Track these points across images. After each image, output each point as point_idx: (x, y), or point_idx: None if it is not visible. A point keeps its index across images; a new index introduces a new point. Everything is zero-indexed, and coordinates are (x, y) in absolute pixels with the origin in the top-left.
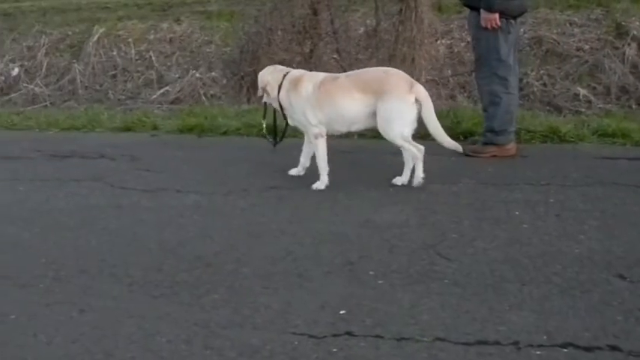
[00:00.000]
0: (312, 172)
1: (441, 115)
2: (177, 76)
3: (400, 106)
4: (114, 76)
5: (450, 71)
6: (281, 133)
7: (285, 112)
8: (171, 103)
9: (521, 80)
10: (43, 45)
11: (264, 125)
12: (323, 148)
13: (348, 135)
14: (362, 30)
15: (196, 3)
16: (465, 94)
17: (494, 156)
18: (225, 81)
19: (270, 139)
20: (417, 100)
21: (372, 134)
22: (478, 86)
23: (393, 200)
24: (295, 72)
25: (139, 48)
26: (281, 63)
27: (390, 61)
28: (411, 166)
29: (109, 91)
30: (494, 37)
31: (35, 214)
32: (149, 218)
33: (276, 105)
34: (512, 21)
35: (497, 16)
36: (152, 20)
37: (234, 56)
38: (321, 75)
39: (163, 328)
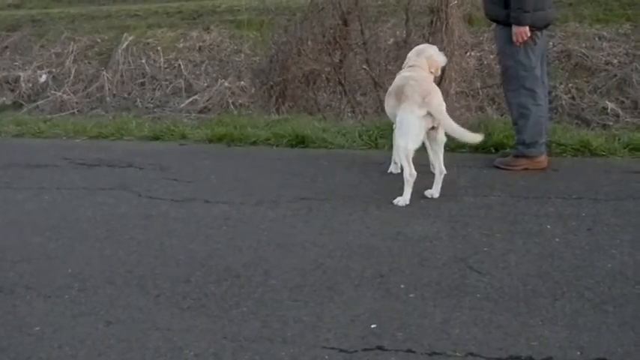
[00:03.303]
0: (342, 185)
1: (471, 128)
2: (205, 84)
3: (408, 119)
4: (142, 84)
5: (479, 83)
6: None
7: None
8: (200, 112)
9: (549, 93)
10: (72, 52)
11: None
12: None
13: (378, 146)
14: (392, 41)
15: (226, 12)
16: (494, 107)
17: (526, 169)
18: (253, 90)
19: None
20: (428, 113)
21: None
22: (506, 99)
23: (424, 213)
24: (405, 69)
25: (168, 56)
26: (311, 73)
27: None
28: (440, 180)
29: (137, 99)
30: (521, 49)
31: (61, 223)
32: (177, 229)
33: None
34: (539, 32)
35: (527, 29)
36: (182, 29)
37: (264, 66)
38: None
39: (191, 341)
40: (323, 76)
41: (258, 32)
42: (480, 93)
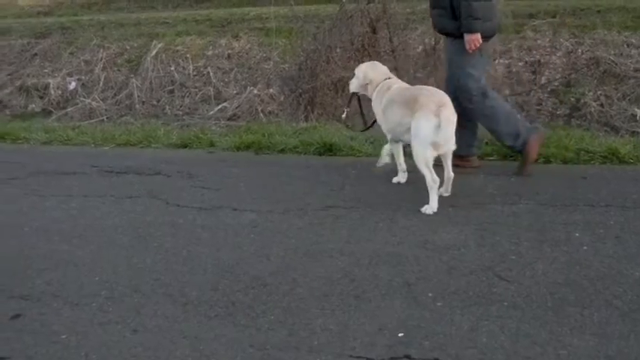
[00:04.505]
0: (370, 193)
1: None
2: (234, 92)
3: (423, 126)
4: (171, 91)
5: (507, 91)
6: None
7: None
8: (229, 119)
9: (578, 100)
10: (101, 59)
11: (345, 113)
12: (398, 151)
13: (407, 153)
14: (420, 48)
15: (255, 19)
16: (524, 114)
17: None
18: (282, 98)
19: (349, 125)
20: (439, 124)
21: None
22: (466, 111)
23: (451, 221)
24: (391, 81)
25: (197, 64)
26: (340, 80)
27: None
28: (450, 184)
29: (166, 106)
30: (470, 60)
31: (89, 231)
32: (205, 237)
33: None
34: (486, 42)
35: (479, 36)
36: (210, 36)
37: (293, 73)
38: (394, 87)
39: (218, 350)
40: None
41: (287, 40)
42: (509, 100)
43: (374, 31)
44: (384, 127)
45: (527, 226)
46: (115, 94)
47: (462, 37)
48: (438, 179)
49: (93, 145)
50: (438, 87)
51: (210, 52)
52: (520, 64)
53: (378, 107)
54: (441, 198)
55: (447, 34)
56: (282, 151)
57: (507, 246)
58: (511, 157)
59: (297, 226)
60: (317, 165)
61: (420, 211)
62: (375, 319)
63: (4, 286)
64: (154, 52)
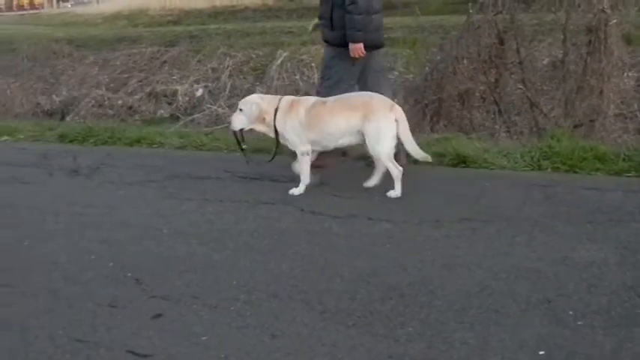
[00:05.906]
0: (506, 207)
1: (637, 150)
2: None
3: (385, 125)
4: None
5: (636, 105)
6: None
7: (280, 134)
8: None
9: None
10: (227, 67)
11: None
12: (307, 164)
13: (541, 167)
14: (547, 60)
15: None
16: None
17: None
18: (407, 108)
19: (246, 159)
20: (395, 120)
21: (566, 168)
22: None
23: (590, 237)
24: (288, 97)
25: None
26: (466, 92)
27: (578, 92)
28: (380, 175)
29: None
30: (345, 65)
31: (225, 235)
32: (341, 245)
33: (270, 130)
34: (368, 52)
35: (362, 45)
36: None
37: (418, 83)
38: (312, 100)
39: (357, 359)
40: (477, 95)
41: (411, 50)
42: (638, 115)
43: (501, 42)
44: (310, 138)
45: None
46: None
47: (338, 45)
48: (402, 169)
49: (226, 151)
50: (566, 101)
51: None
52: None
53: (295, 125)
54: (578, 214)
55: (327, 42)
56: (415, 162)
57: None
58: None
59: (434, 238)
60: (450, 177)
61: (557, 226)
62: (514, 335)
63: (145, 286)
64: (279, 61)
